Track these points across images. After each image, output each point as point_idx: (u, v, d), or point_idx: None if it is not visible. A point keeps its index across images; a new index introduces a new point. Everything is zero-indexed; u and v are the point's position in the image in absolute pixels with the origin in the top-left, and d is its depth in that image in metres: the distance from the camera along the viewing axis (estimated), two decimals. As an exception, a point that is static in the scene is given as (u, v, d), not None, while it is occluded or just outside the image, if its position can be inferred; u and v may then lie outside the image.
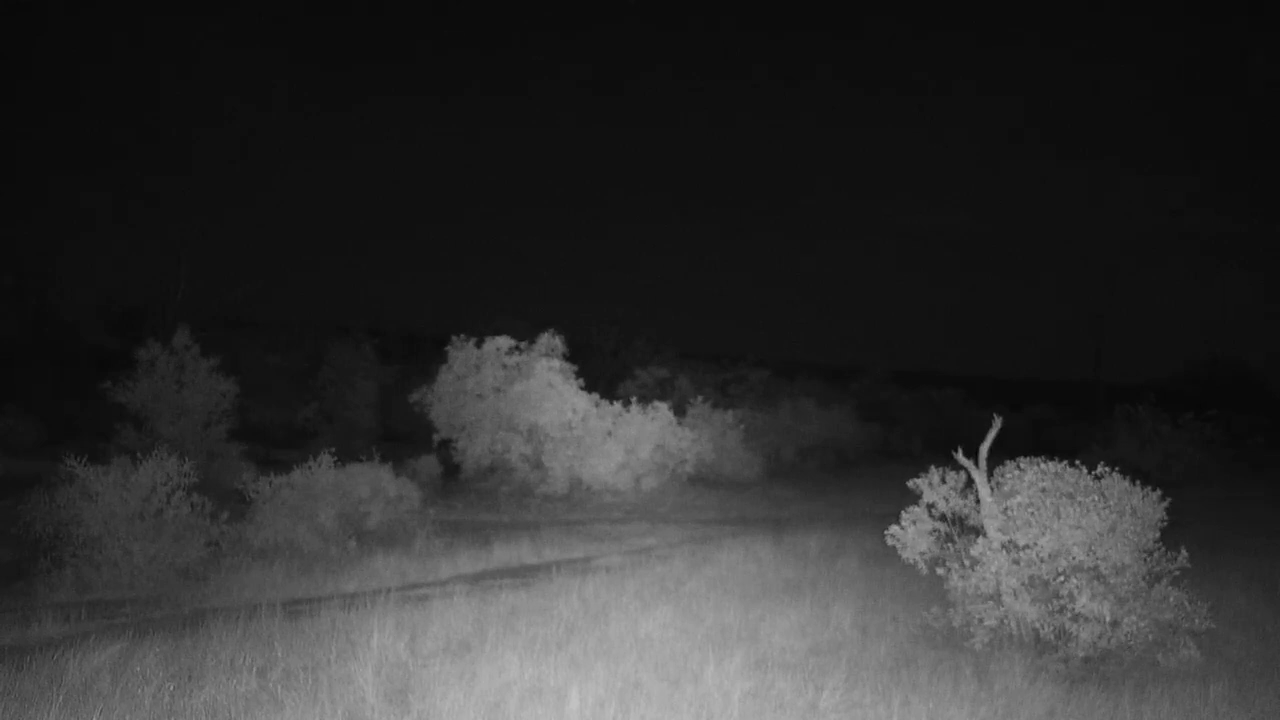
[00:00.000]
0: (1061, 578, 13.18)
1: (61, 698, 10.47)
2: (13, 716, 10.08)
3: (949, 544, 14.65)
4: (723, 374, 54.36)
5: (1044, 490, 13.66)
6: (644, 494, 32.21)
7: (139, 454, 18.91)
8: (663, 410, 33.37)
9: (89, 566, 17.34)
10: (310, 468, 21.20)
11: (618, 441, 32.07)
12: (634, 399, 34.08)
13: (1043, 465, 13.95)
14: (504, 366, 32.79)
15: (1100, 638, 12.82)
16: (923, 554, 14.58)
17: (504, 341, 32.99)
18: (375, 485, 22.25)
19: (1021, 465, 14.13)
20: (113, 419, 27.72)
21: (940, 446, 19.26)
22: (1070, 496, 13.49)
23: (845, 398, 53.46)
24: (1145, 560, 13.50)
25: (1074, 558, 13.14)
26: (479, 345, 33.10)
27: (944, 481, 14.67)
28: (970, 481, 14.78)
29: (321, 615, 14.74)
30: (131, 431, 26.96)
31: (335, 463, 21.52)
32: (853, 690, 11.58)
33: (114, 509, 17.66)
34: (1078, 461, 14.19)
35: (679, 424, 33.83)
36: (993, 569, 13.48)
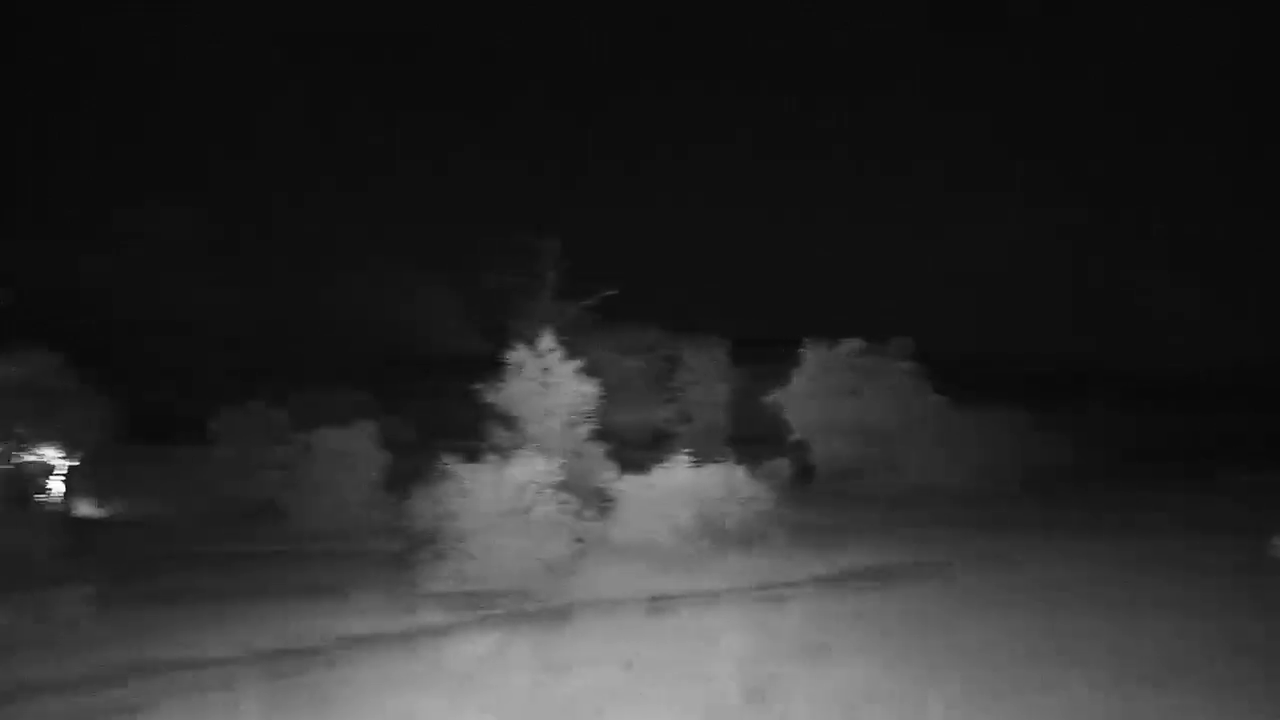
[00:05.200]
0: None
1: (446, 682, 11.15)
2: (404, 697, 10.79)
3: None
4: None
5: None
6: (972, 495, 31.18)
7: (508, 453, 19.84)
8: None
9: (466, 559, 18.26)
10: (668, 468, 21.61)
11: (967, 445, 31.29)
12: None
13: None
14: (853, 369, 32.50)
15: None
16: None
17: (856, 344, 32.69)
18: (730, 486, 22.43)
19: None
20: (484, 420, 29.22)
21: None
22: None
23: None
24: None
25: None
26: (831, 348, 32.93)
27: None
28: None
29: (681, 612, 15.03)
30: (501, 432, 28.31)
31: (692, 463, 21.85)
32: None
33: (487, 505, 18.55)
34: None
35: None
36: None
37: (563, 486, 19.30)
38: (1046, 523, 26.23)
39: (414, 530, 19.11)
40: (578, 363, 24.82)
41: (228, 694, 11.03)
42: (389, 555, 20.04)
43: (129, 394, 28.93)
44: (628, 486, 21.48)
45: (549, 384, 24.49)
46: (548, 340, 24.63)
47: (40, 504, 25.66)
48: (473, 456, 20.12)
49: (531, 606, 16.37)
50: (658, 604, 15.96)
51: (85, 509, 27.46)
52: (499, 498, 18.62)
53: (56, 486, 26.42)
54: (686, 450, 22.16)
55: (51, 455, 26.24)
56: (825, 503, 30.36)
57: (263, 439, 28.72)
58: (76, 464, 26.77)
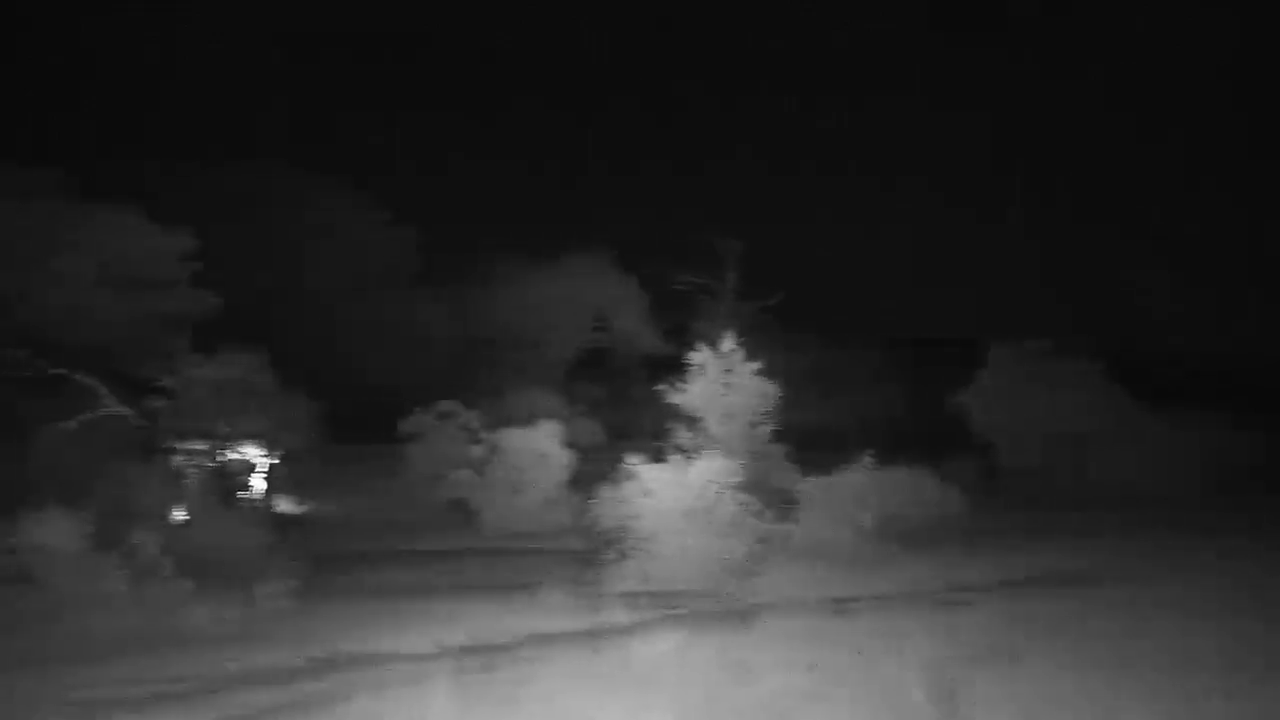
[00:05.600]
0: None
1: (631, 682, 11.34)
2: (589, 696, 11.02)
3: None
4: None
5: None
6: (1164, 498, 30.01)
7: (691, 453, 19.98)
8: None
9: (649, 559, 18.45)
10: (850, 469, 21.45)
11: (1159, 446, 30.28)
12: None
13: None
14: (1040, 369, 31.74)
15: None
16: None
17: (1044, 343, 31.93)
18: (914, 488, 22.15)
19: None
20: (667, 420, 29.43)
21: None
22: None
23: None
24: None
25: None
26: (1017, 347, 32.24)
27: None
28: None
29: (865, 615, 14.97)
30: (684, 432, 28.46)
31: (875, 465, 21.63)
32: None
33: (670, 505, 18.72)
34: None
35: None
36: None
37: (744, 487, 19.34)
38: (1241, 527, 25.18)
39: (599, 530, 19.38)
40: (759, 363, 24.83)
41: (420, 688, 11.45)
42: (575, 554, 20.42)
43: (327, 393, 29.89)
44: (810, 487, 21.41)
45: (731, 384, 24.55)
46: (729, 341, 24.72)
47: (243, 500, 26.76)
48: (656, 457, 20.33)
49: (714, 607, 16.50)
50: (841, 606, 15.93)
51: (285, 506, 28.58)
52: (682, 498, 18.77)
53: (258, 484, 27.53)
54: (869, 451, 21.91)
55: (254, 453, 27.36)
56: (1012, 505, 29.69)
57: (454, 439, 29.39)
58: (277, 462, 27.84)
